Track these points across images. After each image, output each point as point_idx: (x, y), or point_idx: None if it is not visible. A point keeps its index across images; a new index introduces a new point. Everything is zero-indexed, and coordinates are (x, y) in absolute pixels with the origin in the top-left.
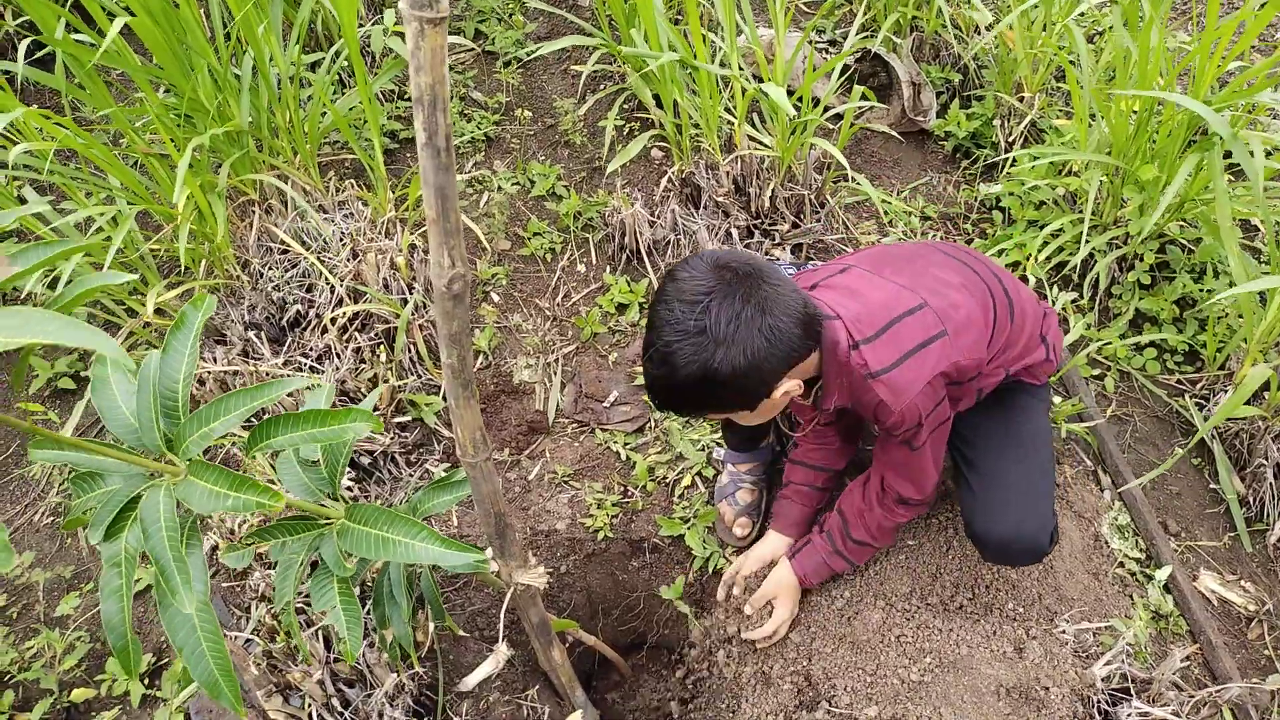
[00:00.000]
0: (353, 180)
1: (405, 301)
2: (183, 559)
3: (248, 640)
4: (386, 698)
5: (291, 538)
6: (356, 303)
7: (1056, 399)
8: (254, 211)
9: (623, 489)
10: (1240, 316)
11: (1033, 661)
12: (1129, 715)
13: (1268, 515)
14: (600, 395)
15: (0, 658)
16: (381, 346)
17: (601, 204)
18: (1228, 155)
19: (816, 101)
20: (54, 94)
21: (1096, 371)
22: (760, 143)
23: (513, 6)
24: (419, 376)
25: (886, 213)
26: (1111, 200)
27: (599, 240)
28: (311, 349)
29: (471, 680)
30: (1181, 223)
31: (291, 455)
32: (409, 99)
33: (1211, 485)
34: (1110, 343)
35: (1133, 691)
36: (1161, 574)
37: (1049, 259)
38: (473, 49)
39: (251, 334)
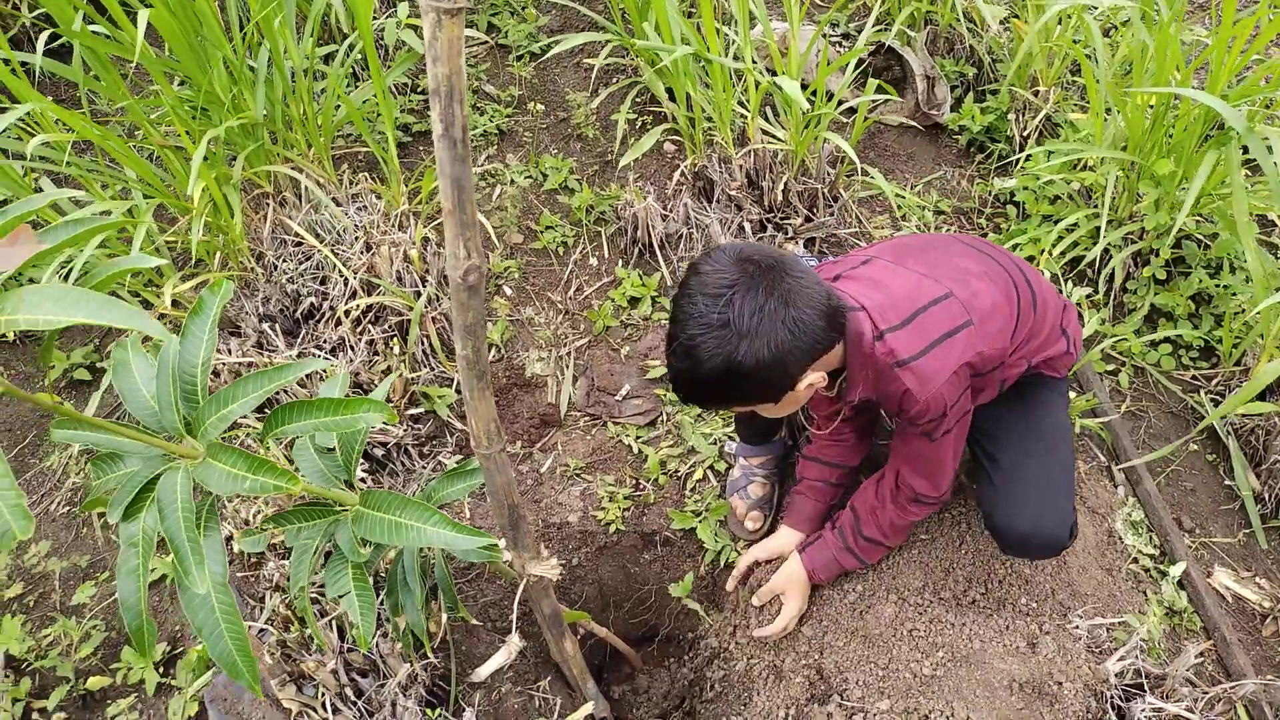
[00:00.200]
0: (366, 173)
1: (418, 294)
2: (197, 540)
3: (262, 630)
4: (399, 687)
5: (307, 523)
6: (370, 295)
7: (1070, 394)
8: (268, 204)
9: (634, 482)
10: (1257, 313)
11: (1046, 656)
12: (1143, 711)
13: None
14: (612, 389)
15: (17, 645)
16: (395, 339)
17: (614, 198)
18: (1245, 150)
19: (830, 95)
20: (70, 88)
21: (1111, 367)
22: (773, 136)
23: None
24: (432, 369)
25: (900, 207)
26: (1127, 195)
27: (611, 234)
28: (325, 341)
29: (484, 671)
30: (1198, 218)
31: (308, 441)
32: (422, 92)
33: (1226, 482)
34: (1125, 338)
35: (1146, 687)
36: (1175, 570)
37: (1063, 254)
38: (486, 42)
39: (266, 326)
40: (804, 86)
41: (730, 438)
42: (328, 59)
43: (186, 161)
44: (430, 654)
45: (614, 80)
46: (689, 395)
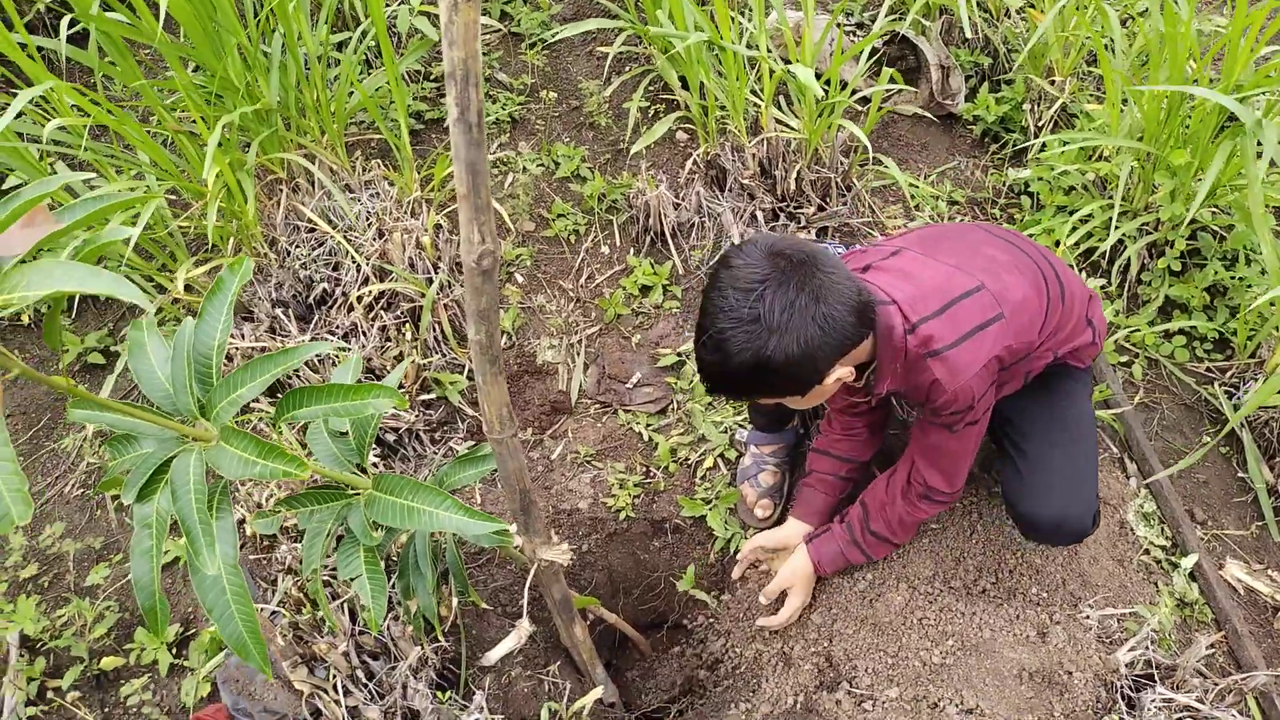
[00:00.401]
0: (379, 160)
1: (430, 281)
2: (209, 522)
3: (274, 612)
4: (410, 670)
5: (320, 506)
6: (382, 281)
7: None
8: (281, 190)
9: (645, 469)
10: (1272, 305)
11: (1056, 646)
12: (1153, 701)
13: None
14: (623, 376)
15: (32, 625)
16: (407, 325)
17: (626, 186)
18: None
19: (844, 84)
20: (85, 74)
21: (1124, 358)
22: (787, 125)
23: None
24: (443, 355)
25: (913, 196)
26: (1142, 186)
27: (623, 222)
28: (338, 327)
29: (494, 655)
30: (1213, 209)
31: (321, 425)
32: (435, 80)
33: (1239, 474)
34: (1139, 329)
35: (1157, 678)
36: (1187, 562)
37: (1078, 244)
38: (499, 30)
39: (279, 311)
40: (818, 75)
41: (742, 425)
42: (341, 46)
43: (200, 147)
44: (441, 637)
45: (626, 68)
46: (717, 386)
